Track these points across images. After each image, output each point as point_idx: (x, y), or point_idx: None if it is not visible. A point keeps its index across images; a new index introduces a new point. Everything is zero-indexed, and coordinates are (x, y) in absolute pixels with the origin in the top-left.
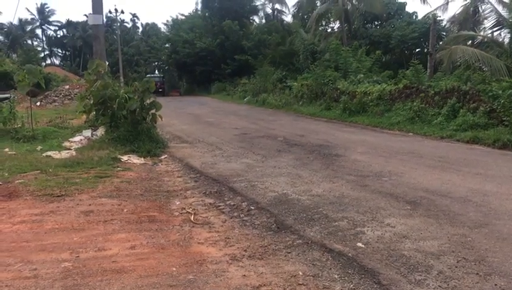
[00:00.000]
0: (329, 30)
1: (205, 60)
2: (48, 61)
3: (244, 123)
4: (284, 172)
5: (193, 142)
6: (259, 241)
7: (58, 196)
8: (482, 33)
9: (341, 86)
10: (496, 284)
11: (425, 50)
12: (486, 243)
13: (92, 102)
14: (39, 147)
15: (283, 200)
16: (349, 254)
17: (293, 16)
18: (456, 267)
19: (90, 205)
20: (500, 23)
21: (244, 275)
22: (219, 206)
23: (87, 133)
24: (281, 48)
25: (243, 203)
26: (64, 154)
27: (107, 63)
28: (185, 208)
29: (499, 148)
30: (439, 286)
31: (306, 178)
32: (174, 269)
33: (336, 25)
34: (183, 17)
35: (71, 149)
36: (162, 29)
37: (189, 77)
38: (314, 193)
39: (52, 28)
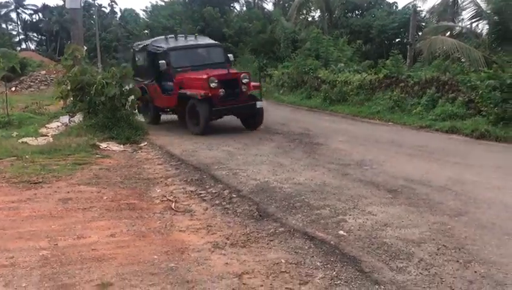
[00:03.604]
0: (310, 19)
1: None
2: (23, 46)
3: None
4: (266, 160)
5: (173, 129)
6: (241, 229)
7: (35, 183)
8: (460, 24)
9: (322, 74)
10: (475, 271)
11: (405, 40)
12: (466, 231)
13: (69, 88)
14: (15, 133)
15: (265, 188)
16: (332, 242)
17: (274, 4)
18: (437, 254)
19: (68, 192)
20: (479, 14)
21: (227, 263)
22: (200, 194)
23: (65, 119)
24: (262, 36)
25: (225, 191)
26: (41, 140)
27: (85, 48)
28: (165, 196)
29: (477, 138)
30: (420, 273)
31: (288, 166)
32: (156, 257)
33: (317, 14)
34: (163, 3)
35: (48, 135)
36: (141, 15)
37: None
38: (296, 181)
39: (28, 11)
